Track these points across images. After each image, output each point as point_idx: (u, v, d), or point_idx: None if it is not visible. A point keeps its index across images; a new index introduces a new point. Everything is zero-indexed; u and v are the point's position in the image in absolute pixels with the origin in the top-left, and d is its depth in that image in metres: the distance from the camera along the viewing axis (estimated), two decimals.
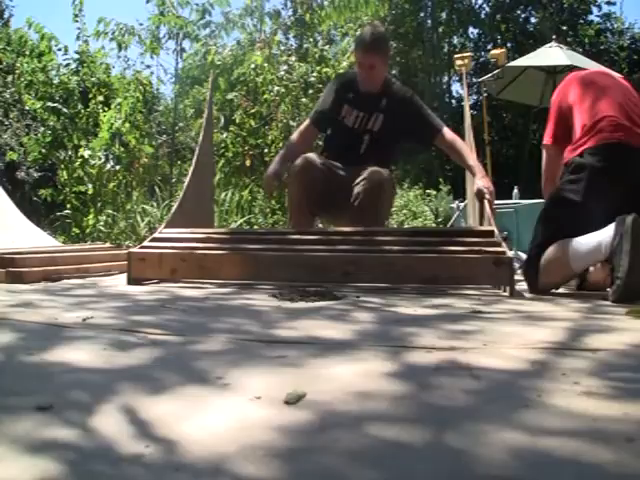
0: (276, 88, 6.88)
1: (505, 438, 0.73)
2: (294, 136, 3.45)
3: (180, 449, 0.70)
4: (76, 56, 7.07)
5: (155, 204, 6.36)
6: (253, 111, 7.05)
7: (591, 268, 2.28)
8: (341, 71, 6.67)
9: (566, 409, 0.83)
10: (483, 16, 16.89)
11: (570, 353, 1.17)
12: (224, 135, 7.01)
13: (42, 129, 6.95)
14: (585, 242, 2.17)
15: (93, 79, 7.12)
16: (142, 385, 0.95)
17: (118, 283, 2.60)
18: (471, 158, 3.12)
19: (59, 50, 6.98)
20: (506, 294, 2.32)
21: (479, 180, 2.98)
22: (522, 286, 2.47)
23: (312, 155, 3.13)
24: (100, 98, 6.78)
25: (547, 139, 2.70)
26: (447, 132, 3.18)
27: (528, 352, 1.16)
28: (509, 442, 0.71)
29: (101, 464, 0.66)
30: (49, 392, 0.90)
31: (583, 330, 1.43)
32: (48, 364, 1.07)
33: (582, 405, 0.84)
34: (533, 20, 16.37)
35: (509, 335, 1.35)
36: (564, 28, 14.70)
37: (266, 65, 6.93)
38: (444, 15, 17.03)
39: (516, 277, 2.42)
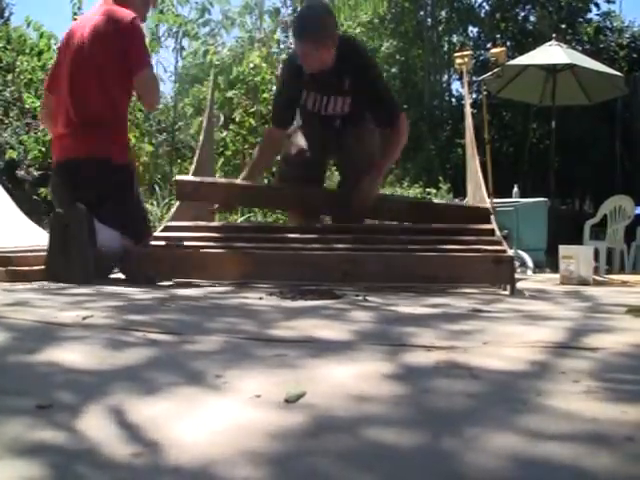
0: (275, 87, 6.87)
1: (503, 441, 0.71)
2: (261, 145, 3.33)
3: (172, 452, 0.68)
4: None
5: (155, 203, 6.35)
6: (253, 110, 7.04)
7: None
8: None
9: (566, 410, 0.82)
10: (483, 15, 16.88)
11: (570, 353, 1.16)
12: (224, 134, 7.00)
13: (42, 127, 6.94)
14: None
15: None
16: (136, 386, 0.93)
17: (117, 282, 2.58)
18: (383, 162, 2.92)
19: (58, 48, 6.97)
20: (506, 293, 2.31)
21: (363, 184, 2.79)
22: (522, 285, 2.46)
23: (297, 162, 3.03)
24: None
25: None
26: (390, 131, 2.93)
27: (528, 352, 1.15)
28: (507, 445, 0.70)
29: (89, 467, 0.65)
30: (41, 393, 0.89)
31: (583, 330, 1.41)
32: (41, 364, 1.05)
33: (582, 406, 0.83)
34: (532, 19, 16.36)
35: (509, 335, 1.34)
36: (563, 26, 14.66)
37: (264, 65, 6.92)
38: (444, 13, 17.00)
39: (516, 276, 2.41)
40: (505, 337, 1.31)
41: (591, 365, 1.06)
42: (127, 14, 2.72)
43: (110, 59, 2.70)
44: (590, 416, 0.79)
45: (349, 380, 0.96)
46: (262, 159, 3.23)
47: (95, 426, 0.76)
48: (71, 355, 1.10)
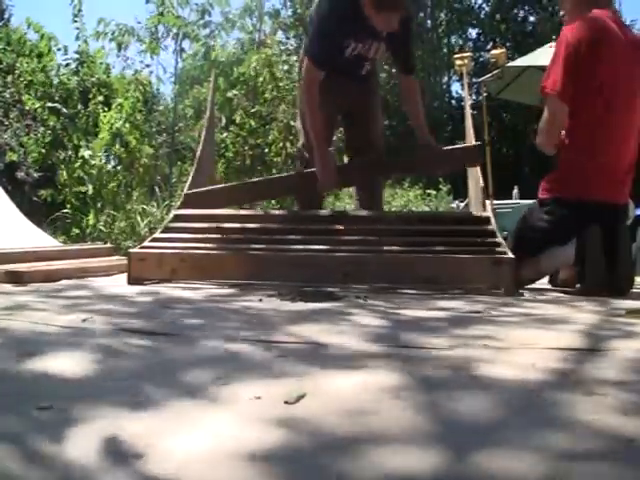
0: (276, 86, 6.87)
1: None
2: (313, 106, 3.08)
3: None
4: (76, 56, 7.05)
5: (155, 204, 6.34)
6: (253, 111, 7.03)
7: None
8: None
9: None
10: (482, 16, 16.90)
11: (592, 359, 1.11)
12: (224, 135, 6.99)
13: (42, 129, 6.93)
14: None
15: (93, 79, 7.10)
16: (134, 391, 0.90)
17: (117, 284, 2.58)
18: (420, 118, 3.21)
19: (59, 50, 6.97)
20: (507, 294, 2.30)
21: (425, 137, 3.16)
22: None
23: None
24: (100, 98, 6.76)
25: (555, 87, 2.37)
26: (411, 79, 3.21)
27: (547, 358, 1.10)
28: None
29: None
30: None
31: (601, 334, 1.37)
32: (28, 372, 1.02)
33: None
34: (532, 19, 16.39)
35: (523, 339, 1.29)
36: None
37: (264, 69, 6.92)
38: (443, 15, 17.03)
39: None
40: (520, 342, 1.26)
41: (615, 373, 1.02)
42: None
43: None
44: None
45: (353, 391, 0.92)
46: (322, 122, 3.10)
47: (90, 433, 0.73)
48: (62, 363, 1.07)
